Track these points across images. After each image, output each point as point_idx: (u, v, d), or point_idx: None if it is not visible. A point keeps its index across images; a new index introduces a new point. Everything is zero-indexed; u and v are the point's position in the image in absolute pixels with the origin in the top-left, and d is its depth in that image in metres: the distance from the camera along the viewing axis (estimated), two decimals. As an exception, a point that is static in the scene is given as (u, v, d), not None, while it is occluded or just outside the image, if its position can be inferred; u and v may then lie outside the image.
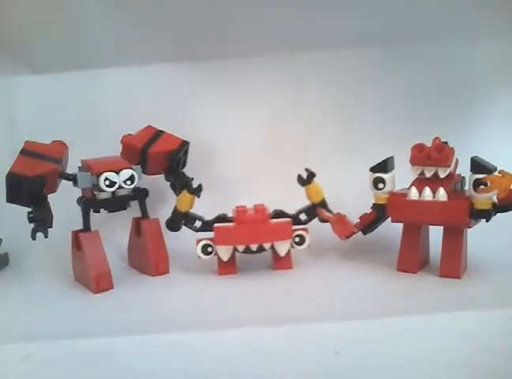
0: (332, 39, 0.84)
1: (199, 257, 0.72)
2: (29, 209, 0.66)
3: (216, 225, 0.70)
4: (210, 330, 0.55)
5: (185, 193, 0.72)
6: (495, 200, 0.62)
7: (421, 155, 0.64)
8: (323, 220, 0.72)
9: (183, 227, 0.73)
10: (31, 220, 0.66)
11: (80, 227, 0.69)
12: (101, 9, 0.82)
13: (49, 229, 0.67)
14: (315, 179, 0.72)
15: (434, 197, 0.64)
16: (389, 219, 0.69)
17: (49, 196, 0.68)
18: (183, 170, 0.77)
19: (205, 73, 0.86)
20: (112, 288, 0.69)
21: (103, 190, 0.68)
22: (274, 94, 0.87)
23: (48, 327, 0.58)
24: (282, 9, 0.82)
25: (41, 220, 0.66)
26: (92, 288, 0.68)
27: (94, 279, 0.67)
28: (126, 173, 0.69)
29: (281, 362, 0.50)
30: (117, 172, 0.68)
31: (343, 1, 0.81)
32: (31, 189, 0.65)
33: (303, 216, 0.73)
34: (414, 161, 0.65)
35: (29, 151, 0.66)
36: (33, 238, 0.66)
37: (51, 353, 0.53)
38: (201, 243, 0.71)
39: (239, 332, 0.54)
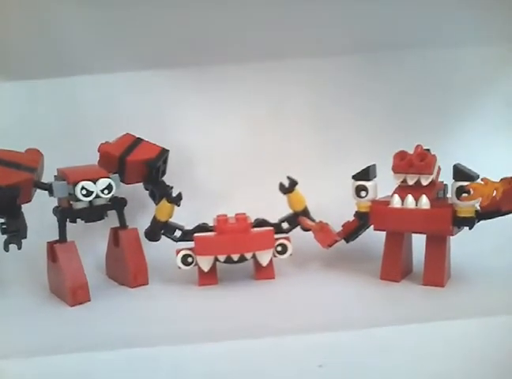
0: (312, 46, 0.84)
1: (179, 267, 0.71)
2: (2, 220, 0.64)
3: (196, 235, 0.70)
4: (191, 343, 0.53)
5: (164, 202, 0.71)
6: (478, 208, 0.62)
7: (403, 163, 0.64)
8: (305, 229, 0.72)
9: (163, 237, 0.72)
10: (4, 231, 0.64)
11: (56, 237, 0.68)
12: (78, 16, 0.81)
13: (23, 240, 0.65)
14: (297, 187, 0.71)
15: (416, 205, 0.64)
16: (372, 227, 0.68)
17: (23, 206, 0.66)
18: (163, 178, 0.76)
19: (185, 80, 0.86)
20: (89, 300, 0.67)
21: (79, 200, 0.66)
22: (255, 101, 0.87)
23: (21, 342, 0.56)
24: (263, 16, 0.82)
25: (14, 231, 0.64)
26: (69, 301, 0.66)
27: (70, 291, 0.66)
28: (103, 182, 0.67)
29: (263, 375, 0.49)
30: (94, 181, 0.67)
31: (324, 8, 0.82)
32: (4, 199, 0.63)
33: (285, 225, 0.73)
34: (396, 169, 0.65)
35: (2, 160, 0.65)
36: (6, 250, 0.65)
37: (24, 370, 0.51)
38: (181, 253, 0.70)
39: (221, 344, 0.53)
